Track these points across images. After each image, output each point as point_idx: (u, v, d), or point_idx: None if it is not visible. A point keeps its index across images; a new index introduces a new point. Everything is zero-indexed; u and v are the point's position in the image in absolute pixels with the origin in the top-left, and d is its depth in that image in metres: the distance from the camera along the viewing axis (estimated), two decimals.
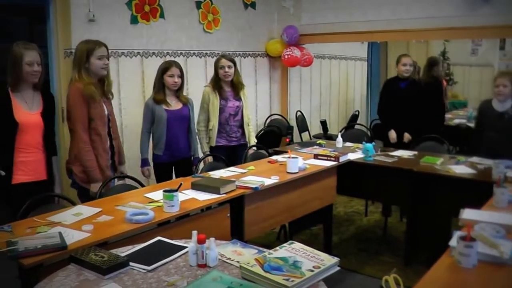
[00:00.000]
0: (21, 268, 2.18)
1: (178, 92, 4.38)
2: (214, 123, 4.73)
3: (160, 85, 4.31)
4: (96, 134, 3.68)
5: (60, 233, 2.46)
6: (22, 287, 2.20)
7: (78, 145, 3.62)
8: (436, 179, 4.12)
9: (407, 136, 5.58)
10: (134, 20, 5.25)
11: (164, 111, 4.25)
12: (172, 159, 4.36)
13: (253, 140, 4.99)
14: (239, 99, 4.84)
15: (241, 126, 4.89)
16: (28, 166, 3.37)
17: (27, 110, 3.33)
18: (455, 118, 7.65)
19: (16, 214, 2.96)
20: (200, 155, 4.63)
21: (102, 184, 3.60)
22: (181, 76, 4.33)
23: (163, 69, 4.29)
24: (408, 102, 5.54)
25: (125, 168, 4.10)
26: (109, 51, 4.42)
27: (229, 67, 4.70)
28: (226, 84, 4.78)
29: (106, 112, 3.76)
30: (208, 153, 4.74)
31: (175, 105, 4.34)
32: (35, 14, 7.26)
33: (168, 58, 5.56)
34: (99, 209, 2.94)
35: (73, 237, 2.46)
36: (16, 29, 7.70)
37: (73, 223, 2.70)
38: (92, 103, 3.63)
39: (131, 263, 2.12)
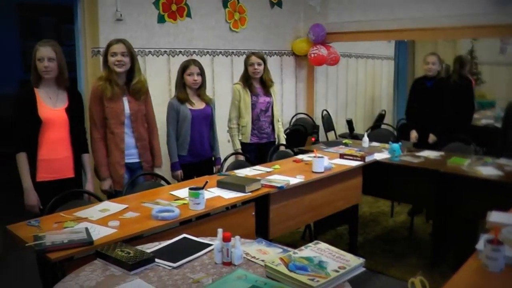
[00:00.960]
0: (48, 262, 2.21)
1: (199, 90, 4.36)
2: (248, 119, 4.75)
3: (181, 84, 4.29)
4: (110, 132, 3.75)
5: (86, 229, 2.49)
6: (49, 280, 2.23)
7: (90, 141, 3.75)
8: (463, 180, 4.05)
9: (432, 137, 5.49)
10: (161, 19, 5.28)
11: (188, 110, 4.23)
12: (196, 159, 4.34)
13: (282, 137, 5.01)
14: (269, 95, 4.88)
15: (271, 122, 4.92)
16: (53, 164, 3.38)
17: (50, 106, 3.36)
18: (482, 118, 7.51)
19: (42, 211, 3.02)
20: (225, 154, 4.62)
21: (128, 181, 3.65)
22: (201, 74, 4.30)
23: (183, 68, 4.28)
24: (434, 101, 5.46)
25: (160, 170, 4.09)
26: (136, 50, 4.46)
27: (258, 64, 4.73)
28: (255, 81, 4.82)
29: (127, 111, 3.78)
30: (240, 150, 4.76)
31: (198, 104, 4.32)
32: (63, 13, 7.39)
33: (194, 56, 5.58)
34: (125, 206, 2.97)
35: (100, 233, 2.49)
36: (45, 28, 7.83)
37: (99, 219, 2.73)
38: (106, 100, 3.69)
39: (156, 260, 2.13)
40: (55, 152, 3.38)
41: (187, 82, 4.27)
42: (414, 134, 5.66)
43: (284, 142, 5.00)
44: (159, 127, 4.64)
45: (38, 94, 3.35)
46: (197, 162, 4.34)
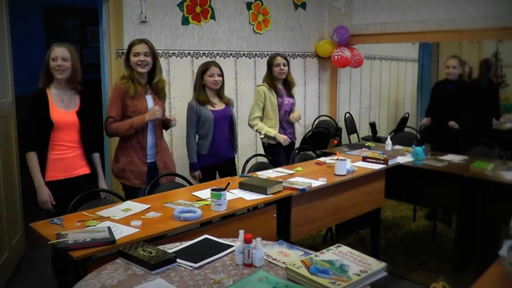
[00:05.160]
0: (71, 260, 2.24)
1: (219, 91, 4.37)
2: (276, 121, 4.77)
3: (200, 86, 4.30)
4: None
5: (109, 228, 2.52)
6: (72, 278, 2.26)
7: (106, 131, 3.81)
8: (487, 185, 4.00)
9: (452, 123, 5.29)
10: (185, 21, 5.31)
11: (210, 112, 4.25)
12: (218, 161, 4.36)
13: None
14: (292, 96, 4.91)
15: (293, 123, 4.94)
16: (63, 163, 3.39)
17: (63, 109, 3.37)
18: (507, 122, 7.38)
19: (57, 208, 3.06)
20: (247, 155, 4.62)
21: (151, 182, 3.67)
22: (221, 75, 4.32)
23: (203, 70, 4.29)
24: (454, 105, 5.36)
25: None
26: (160, 52, 4.51)
27: (284, 65, 4.76)
28: (279, 82, 4.83)
29: (152, 109, 3.79)
30: (276, 135, 4.72)
31: (219, 105, 4.34)
32: (88, 16, 7.50)
33: (218, 58, 5.61)
34: (147, 206, 2.99)
35: (122, 232, 2.51)
36: (70, 30, 7.95)
37: (122, 218, 2.76)
38: (129, 99, 3.72)
39: (178, 260, 2.14)
40: (65, 152, 3.40)
41: (207, 84, 4.28)
42: (425, 120, 5.59)
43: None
44: (181, 128, 4.70)
45: (50, 96, 3.36)
46: (219, 163, 4.36)
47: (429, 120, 5.57)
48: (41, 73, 3.39)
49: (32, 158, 3.32)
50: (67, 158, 3.41)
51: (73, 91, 3.47)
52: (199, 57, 5.48)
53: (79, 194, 3.14)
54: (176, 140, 5.15)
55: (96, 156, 3.66)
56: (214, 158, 4.33)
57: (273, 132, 4.73)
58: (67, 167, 3.42)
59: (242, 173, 4.03)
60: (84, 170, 3.51)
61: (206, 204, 3.01)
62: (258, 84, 5.03)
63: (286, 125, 4.86)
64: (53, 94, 3.38)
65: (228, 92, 4.49)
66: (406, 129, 6.79)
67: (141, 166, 3.80)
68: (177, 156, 5.02)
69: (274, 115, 4.75)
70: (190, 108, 4.29)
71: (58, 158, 3.38)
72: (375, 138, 7.11)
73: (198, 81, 4.33)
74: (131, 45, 3.78)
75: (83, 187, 3.29)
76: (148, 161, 3.86)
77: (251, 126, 4.82)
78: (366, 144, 5.45)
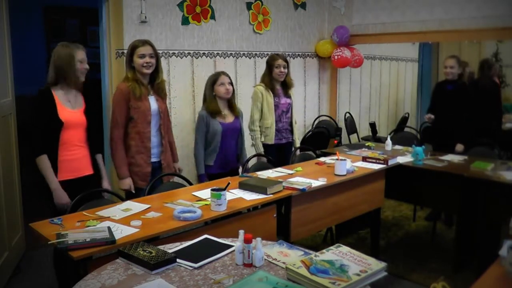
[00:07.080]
0: (70, 260, 2.24)
1: (231, 101, 4.32)
2: (272, 120, 4.76)
3: (211, 97, 4.24)
4: (135, 132, 3.77)
5: (109, 228, 2.52)
6: (72, 278, 2.26)
7: (110, 141, 3.79)
8: (487, 185, 4.00)
9: (459, 147, 5.24)
10: (185, 21, 5.31)
11: (219, 125, 4.18)
12: (222, 170, 4.30)
13: (297, 140, 5.04)
14: (289, 97, 4.91)
15: (290, 123, 4.95)
16: (72, 164, 3.38)
17: (70, 109, 3.36)
18: (507, 122, 7.38)
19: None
20: (248, 155, 4.61)
21: (150, 182, 3.68)
22: (231, 83, 4.28)
23: (212, 81, 4.24)
24: (454, 105, 5.35)
25: (178, 165, 4.18)
26: (160, 52, 4.49)
27: (284, 67, 4.75)
28: (277, 83, 4.82)
29: (155, 109, 3.81)
30: (263, 153, 4.74)
31: (229, 117, 4.28)
32: (88, 16, 7.52)
33: (218, 58, 5.62)
34: (148, 206, 2.99)
35: (122, 232, 2.51)
36: (70, 30, 7.97)
37: (122, 218, 2.76)
38: (133, 100, 3.71)
39: (178, 260, 2.14)
40: (74, 153, 3.39)
41: (218, 93, 4.22)
42: (428, 116, 5.54)
43: (298, 145, 5.01)
44: (181, 128, 4.67)
45: (57, 97, 3.33)
46: (224, 172, 4.29)
47: (431, 116, 5.53)
48: (67, 73, 3.32)
49: (44, 161, 3.26)
50: (76, 159, 3.41)
51: (77, 91, 3.46)
52: (199, 57, 5.48)
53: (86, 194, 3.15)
54: (176, 140, 5.13)
55: (99, 157, 3.65)
56: (220, 168, 4.29)
57: (261, 149, 4.77)
58: (76, 168, 3.42)
59: (242, 173, 4.03)
60: (89, 170, 3.51)
61: (206, 204, 3.01)
62: (255, 84, 5.02)
63: (282, 125, 4.85)
64: (59, 94, 3.36)
65: None
66: (406, 129, 6.79)
67: (145, 167, 3.81)
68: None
69: (270, 115, 4.74)
70: (201, 118, 4.22)
71: (69, 159, 3.37)
72: (375, 138, 7.11)
73: (208, 92, 4.27)
74: (135, 47, 3.76)
75: (87, 187, 3.29)
76: (153, 160, 3.88)
77: (251, 130, 4.80)
78: (366, 144, 5.45)
